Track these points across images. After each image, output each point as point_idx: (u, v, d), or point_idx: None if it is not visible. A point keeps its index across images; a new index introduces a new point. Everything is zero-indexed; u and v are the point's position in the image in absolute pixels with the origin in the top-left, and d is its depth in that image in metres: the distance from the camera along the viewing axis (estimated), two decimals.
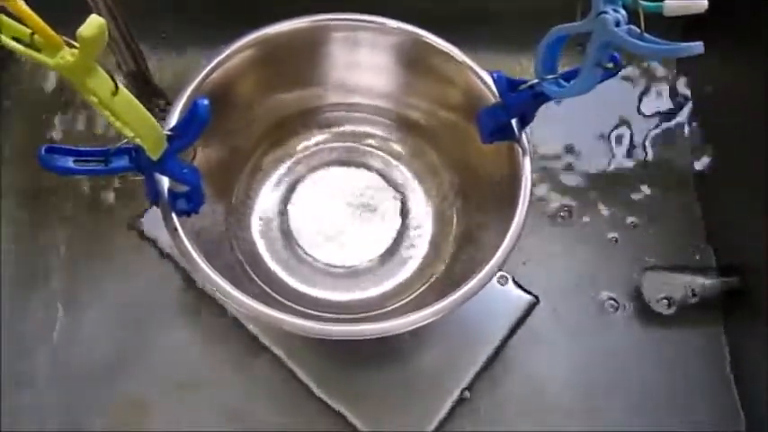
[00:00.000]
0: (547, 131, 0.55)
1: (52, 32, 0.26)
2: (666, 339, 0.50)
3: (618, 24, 0.31)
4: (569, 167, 0.56)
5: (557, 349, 0.49)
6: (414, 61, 0.46)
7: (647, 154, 0.56)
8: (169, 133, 0.34)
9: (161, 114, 0.54)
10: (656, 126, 0.57)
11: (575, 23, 0.33)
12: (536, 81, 0.36)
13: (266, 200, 0.49)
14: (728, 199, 0.52)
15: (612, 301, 0.51)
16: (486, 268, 0.38)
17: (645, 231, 0.53)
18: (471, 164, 0.47)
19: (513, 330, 0.49)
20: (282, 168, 0.50)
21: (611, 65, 0.33)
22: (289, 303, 0.44)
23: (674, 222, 0.54)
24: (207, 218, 0.44)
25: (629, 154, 0.56)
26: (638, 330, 0.50)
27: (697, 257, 0.52)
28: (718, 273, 0.51)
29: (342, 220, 0.48)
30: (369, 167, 0.50)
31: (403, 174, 0.50)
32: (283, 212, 0.48)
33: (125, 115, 0.31)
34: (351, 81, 0.49)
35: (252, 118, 0.47)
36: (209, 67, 0.42)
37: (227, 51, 0.42)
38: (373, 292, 0.46)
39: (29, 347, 0.48)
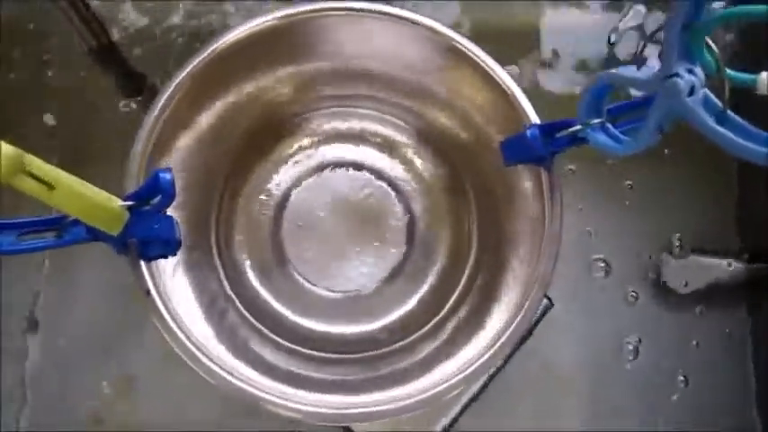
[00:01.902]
0: None
1: None
2: (685, 325, 0.47)
3: (692, 92, 0.24)
4: None
5: (570, 333, 0.47)
6: (441, 63, 0.39)
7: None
8: (130, 204, 0.28)
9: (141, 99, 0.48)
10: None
11: (633, 75, 0.26)
12: (578, 128, 0.30)
13: (255, 214, 0.43)
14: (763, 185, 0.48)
15: (632, 283, 0.48)
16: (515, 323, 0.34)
17: (672, 213, 0.49)
18: (494, 180, 0.41)
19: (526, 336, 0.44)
20: (274, 175, 0.43)
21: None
22: (280, 340, 0.40)
23: (702, 205, 0.49)
24: (189, 254, 0.38)
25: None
26: (657, 315, 0.47)
27: (725, 242, 0.49)
28: (746, 259, 0.47)
29: (341, 236, 0.42)
30: (374, 173, 0.44)
31: (413, 183, 0.44)
32: (275, 228, 0.43)
33: (69, 208, 0.25)
34: (358, 69, 0.42)
35: (220, 126, 0.41)
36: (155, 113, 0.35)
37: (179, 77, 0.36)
38: (376, 324, 0.41)
39: (13, 324, 0.47)
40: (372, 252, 0.42)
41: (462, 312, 0.40)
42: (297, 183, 0.43)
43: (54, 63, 0.49)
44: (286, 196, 0.43)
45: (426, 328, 0.41)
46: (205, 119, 0.39)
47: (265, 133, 0.43)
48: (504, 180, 0.39)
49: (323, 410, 0.33)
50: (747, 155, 0.22)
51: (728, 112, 0.23)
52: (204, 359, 0.33)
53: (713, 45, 0.23)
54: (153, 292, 0.33)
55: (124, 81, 0.47)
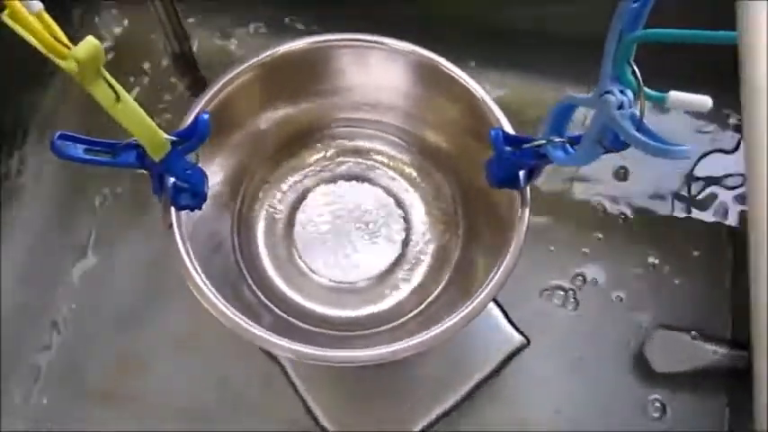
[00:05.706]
0: None
1: (57, 45, 0.28)
2: (664, 400, 0.50)
3: (621, 107, 0.30)
4: None
5: (544, 387, 0.50)
6: (428, 84, 0.46)
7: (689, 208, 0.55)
8: (172, 138, 0.35)
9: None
10: (702, 190, 0.57)
11: (583, 96, 0.32)
12: (542, 141, 0.36)
13: (273, 210, 0.50)
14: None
15: (616, 359, 0.51)
16: (471, 307, 0.39)
17: (662, 287, 0.53)
18: (478, 195, 0.46)
19: (499, 368, 0.50)
20: (291, 181, 0.50)
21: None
22: (281, 313, 0.46)
23: (694, 284, 0.52)
24: (211, 219, 0.45)
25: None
26: (633, 387, 0.50)
27: (712, 325, 0.51)
28: (731, 346, 0.49)
29: (345, 236, 0.49)
30: (378, 185, 0.50)
31: (411, 195, 0.50)
32: (289, 224, 0.49)
33: (127, 121, 0.32)
34: (363, 98, 0.49)
35: (259, 132, 0.48)
36: (215, 88, 0.43)
37: (233, 73, 0.44)
38: (366, 311, 0.47)
39: (50, 288, 0.53)
40: (372, 251, 0.48)
41: (441, 302, 0.46)
42: (313, 187, 0.50)
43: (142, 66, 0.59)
44: (302, 197, 0.50)
45: (412, 314, 0.46)
46: (262, 122, 0.47)
47: (296, 142, 0.51)
48: (486, 197, 0.44)
49: (317, 352, 0.38)
50: (654, 152, 0.28)
51: (644, 122, 0.29)
52: (207, 291, 0.38)
53: (634, 66, 0.29)
54: (175, 226, 0.39)
55: (193, 83, 0.55)
